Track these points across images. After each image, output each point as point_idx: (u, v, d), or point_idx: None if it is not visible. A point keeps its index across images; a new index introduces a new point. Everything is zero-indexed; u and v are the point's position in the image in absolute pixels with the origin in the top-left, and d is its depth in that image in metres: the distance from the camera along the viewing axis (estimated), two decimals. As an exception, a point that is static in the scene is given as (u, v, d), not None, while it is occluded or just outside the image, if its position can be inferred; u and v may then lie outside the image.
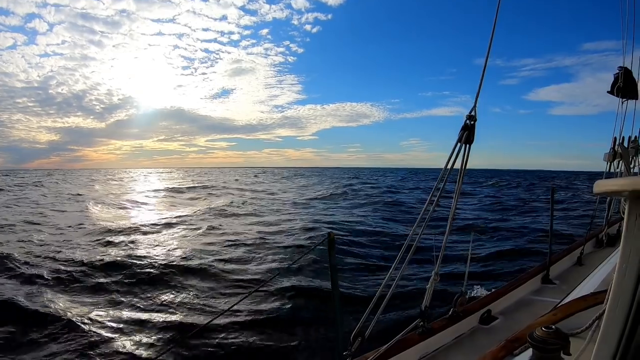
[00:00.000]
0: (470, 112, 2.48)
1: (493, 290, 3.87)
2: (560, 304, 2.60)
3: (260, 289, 6.87)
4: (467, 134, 2.47)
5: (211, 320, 5.23)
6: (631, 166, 5.09)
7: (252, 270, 8.61)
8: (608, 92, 5.72)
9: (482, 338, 3.15)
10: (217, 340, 5.34)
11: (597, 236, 5.83)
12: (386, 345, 2.61)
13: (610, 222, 5.83)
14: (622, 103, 5.44)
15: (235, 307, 5.98)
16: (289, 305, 6.54)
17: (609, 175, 5.45)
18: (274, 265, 9.03)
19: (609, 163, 5.37)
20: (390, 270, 2.54)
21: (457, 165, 2.55)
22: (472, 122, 2.47)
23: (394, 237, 12.17)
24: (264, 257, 9.72)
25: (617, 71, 5.63)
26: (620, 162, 5.18)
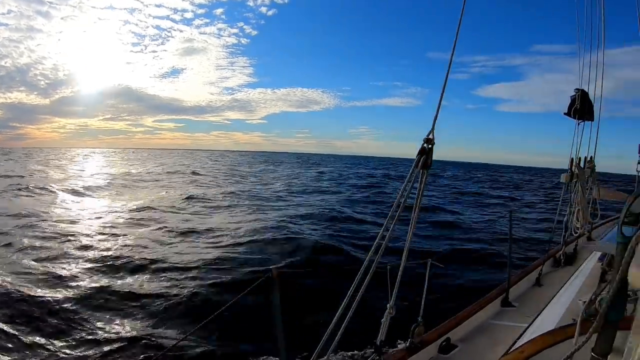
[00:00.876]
0: (428, 135, 2.33)
1: (452, 317, 3.75)
2: (521, 340, 2.50)
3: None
4: (425, 159, 2.32)
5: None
6: (587, 184, 5.18)
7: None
8: (565, 114, 5.84)
9: None
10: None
11: (554, 256, 5.89)
12: None
13: (567, 242, 5.90)
14: (579, 124, 5.54)
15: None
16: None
17: (567, 194, 5.54)
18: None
19: (566, 183, 5.45)
20: (344, 303, 2.33)
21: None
22: (429, 146, 2.32)
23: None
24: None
25: (574, 93, 5.76)
26: (577, 182, 5.27)
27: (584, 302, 1.96)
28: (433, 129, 2.32)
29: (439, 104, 2.40)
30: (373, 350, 2.71)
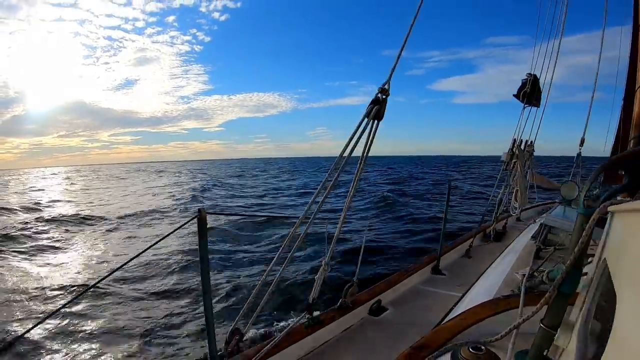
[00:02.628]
0: (384, 85, 2.21)
1: (383, 280, 3.87)
2: (458, 308, 2.57)
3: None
4: (377, 109, 2.21)
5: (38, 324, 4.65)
6: (524, 168, 5.42)
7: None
8: (514, 95, 6.00)
9: (372, 330, 3.12)
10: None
11: (485, 231, 6.24)
12: (269, 342, 2.42)
13: (499, 219, 6.25)
14: (524, 108, 5.73)
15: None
16: (155, 305, 6.02)
17: (504, 173, 5.80)
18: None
19: (505, 163, 5.69)
20: (274, 260, 2.30)
21: (362, 144, 2.29)
22: (384, 97, 2.21)
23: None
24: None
25: (526, 77, 5.91)
26: (516, 163, 5.51)
27: (524, 275, 2.01)
28: (389, 79, 2.21)
29: (399, 54, 2.28)
30: (305, 306, 2.73)
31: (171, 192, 25.42)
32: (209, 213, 1.97)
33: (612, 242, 1.07)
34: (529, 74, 5.89)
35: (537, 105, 5.65)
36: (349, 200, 2.40)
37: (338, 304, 3.14)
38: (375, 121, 2.24)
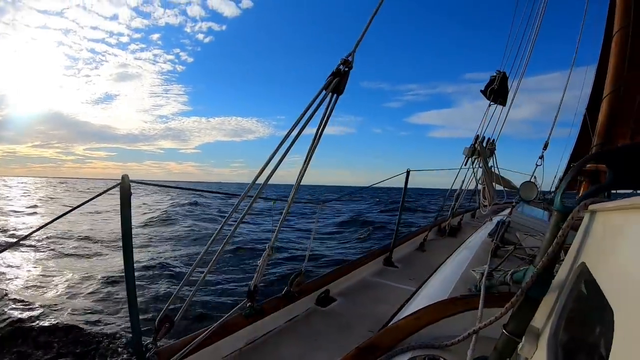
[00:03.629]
0: (348, 56, 2.06)
1: (332, 270, 3.65)
2: (411, 304, 2.40)
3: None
4: (338, 82, 2.05)
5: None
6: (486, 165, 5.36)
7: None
8: (481, 91, 5.92)
9: (318, 321, 2.92)
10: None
11: (439, 225, 6.19)
12: (204, 331, 2.14)
13: (455, 214, 6.22)
14: (490, 106, 5.67)
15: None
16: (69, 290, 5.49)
17: (463, 169, 5.74)
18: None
19: (467, 157, 5.63)
20: (210, 241, 2.00)
21: (319, 117, 2.10)
22: (346, 69, 2.06)
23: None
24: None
25: (495, 74, 5.83)
26: (478, 159, 5.44)
27: (482, 273, 1.82)
28: (354, 51, 2.07)
29: (367, 26, 2.12)
30: (246, 294, 2.45)
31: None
32: (133, 181, 1.71)
33: (594, 245, 0.90)
34: (499, 70, 5.82)
35: (504, 104, 5.59)
36: (296, 185, 2.22)
37: (283, 292, 2.92)
38: (335, 95, 2.08)
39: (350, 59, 2.06)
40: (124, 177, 1.69)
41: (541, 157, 5.96)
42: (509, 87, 5.78)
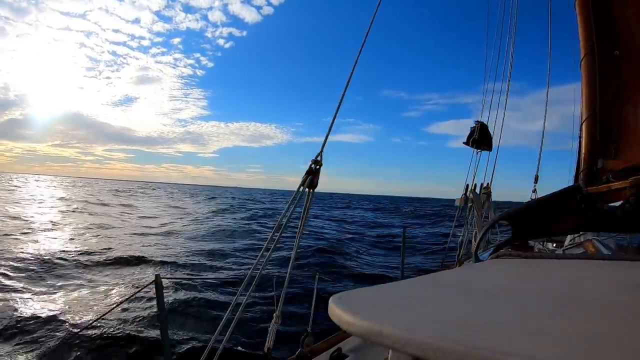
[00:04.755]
0: (317, 157, 2.44)
1: None
2: None
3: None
4: (311, 179, 2.41)
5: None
6: (483, 208, 5.41)
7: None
8: (464, 143, 6.18)
9: None
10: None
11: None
12: None
13: (461, 261, 6.13)
14: (477, 154, 5.87)
15: None
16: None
17: (460, 218, 5.79)
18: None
19: (460, 207, 5.70)
20: (226, 314, 2.30)
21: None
22: (317, 167, 2.43)
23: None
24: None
25: (474, 124, 6.13)
26: (472, 206, 5.50)
27: None
28: (322, 151, 2.45)
29: (329, 128, 2.55)
30: (261, 357, 2.60)
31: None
32: (164, 278, 2.26)
33: None
34: (477, 121, 6.13)
35: (489, 149, 5.80)
36: (294, 255, 2.49)
37: (296, 354, 2.90)
38: (311, 190, 2.44)
39: (319, 158, 2.42)
40: (157, 276, 2.11)
41: (534, 191, 6.05)
42: (493, 125, 6.04)
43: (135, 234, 16.42)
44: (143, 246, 13.27)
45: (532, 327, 0.60)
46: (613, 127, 2.56)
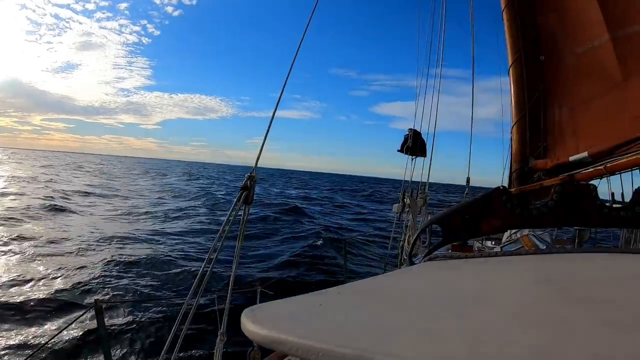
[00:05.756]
0: (251, 172, 2.46)
1: None
2: None
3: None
4: (247, 195, 2.42)
5: None
6: (420, 212, 5.58)
7: None
8: (398, 150, 6.39)
9: None
10: None
11: None
12: None
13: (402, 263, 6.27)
14: (412, 160, 6.08)
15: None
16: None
17: (399, 222, 5.93)
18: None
19: (399, 213, 5.84)
20: (171, 335, 2.19)
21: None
22: (252, 183, 2.45)
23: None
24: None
25: (407, 133, 6.36)
26: (409, 211, 5.66)
27: None
28: (255, 167, 2.48)
29: (262, 145, 2.58)
30: None
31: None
32: (104, 302, 1.98)
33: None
34: (410, 129, 6.37)
35: (424, 155, 6.03)
36: (233, 274, 2.48)
37: None
38: (246, 206, 2.45)
39: (253, 174, 2.44)
40: (97, 301, 2.15)
41: (467, 193, 6.36)
42: (426, 138, 6.27)
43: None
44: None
45: (422, 329, 0.65)
46: (541, 127, 2.75)
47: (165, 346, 2.23)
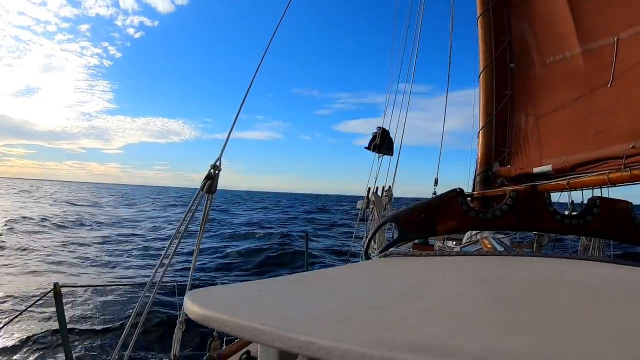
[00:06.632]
0: (215, 162, 2.50)
1: None
2: None
3: None
4: (210, 184, 2.45)
5: None
6: (385, 211, 5.63)
7: None
8: (366, 147, 6.42)
9: None
10: None
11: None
12: None
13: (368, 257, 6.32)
14: (379, 158, 6.12)
15: None
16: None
17: (363, 219, 5.97)
18: None
19: (362, 210, 5.88)
20: (129, 322, 2.26)
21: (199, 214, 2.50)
22: (216, 172, 2.48)
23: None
24: None
25: (376, 130, 6.40)
26: (373, 208, 5.70)
27: None
28: (220, 156, 2.50)
29: (228, 134, 2.63)
30: None
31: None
32: (63, 286, 2.18)
33: None
34: (379, 127, 6.40)
35: (391, 154, 6.07)
36: (194, 260, 2.53)
37: (204, 359, 2.78)
38: (209, 195, 2.46)
39: (218, 163, 2.48)
40: (55, 284, 2.14)
41: (434, 194, 6.48)
42: (394, 135, 6.30)
43: None
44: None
45: (341, 318, 0.70)
46: (507, 134, 2.81)
47: (125, 331, 2.26)
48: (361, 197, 6.12)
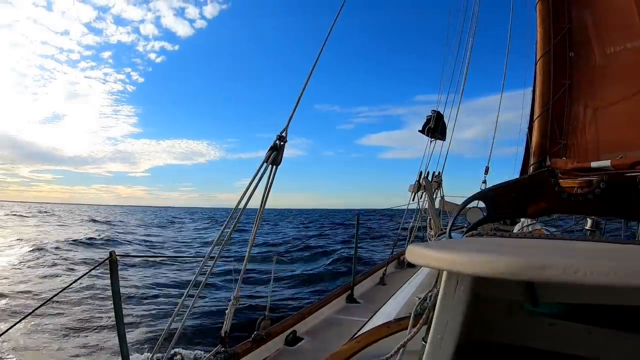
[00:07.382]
0: (282, 132, 2.41)
1: (298, 312, 3.79)
2: (361, 332, 2.52)
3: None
4: (275, 155, 2.37)
5: None
6: (434, 197, 5.58)
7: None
8: (419, 130, 6.32)
9: (289, 359, 3.06)
10: None
11: (398, 258, 6.30)
12: None
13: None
14: (431, 142, 6.03)
15: None
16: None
17: (413, 203, 5.95)
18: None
19: (413, 194, 5.85)
20: (184, 296, 2.28)
21: (261, 187, 2.43)
22: (281, 143, 2.40)
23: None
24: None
25: (430, 114, 6.28)
26: (424, 193, 5.66)
27: (419, 298, 2.01)
28: (287, 127, 2.43)
29: (296, 103, 2.53)
30: (219, 340, 2.62)
31: None
32: (119, 255, 2.17)
33: None
34: (434, 110, 6.28)
35: (443, 139, 5.97)
36: (252, 241, 2.51)
37: (252, 336, 2.97)
38: (274, 167, 2.39)
39: (284, 134, 2.40)
40: (112, 253, 2.15)
41: (484, 182, 6.33)
42: (447, 121, 6.19)
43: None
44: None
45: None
46: (562, 125, 2.71)
47: (179, 304, 2.30)
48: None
